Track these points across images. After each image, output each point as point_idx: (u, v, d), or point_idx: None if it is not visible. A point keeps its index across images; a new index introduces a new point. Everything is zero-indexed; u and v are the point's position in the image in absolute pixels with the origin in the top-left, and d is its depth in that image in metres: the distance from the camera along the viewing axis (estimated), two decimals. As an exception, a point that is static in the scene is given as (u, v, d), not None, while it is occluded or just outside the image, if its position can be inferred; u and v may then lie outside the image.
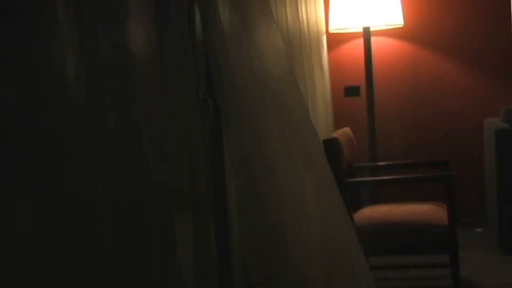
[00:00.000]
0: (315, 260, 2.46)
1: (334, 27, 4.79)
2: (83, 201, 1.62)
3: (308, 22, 4.39)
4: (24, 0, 1.54)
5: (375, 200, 4.62)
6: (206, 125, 2.48)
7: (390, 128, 5.09)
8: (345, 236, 2.56)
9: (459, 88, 5.04)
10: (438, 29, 5.03)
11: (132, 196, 1.79)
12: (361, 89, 5.04)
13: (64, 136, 1.60)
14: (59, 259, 1.56)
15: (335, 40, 5.11)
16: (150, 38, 1.89)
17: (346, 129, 3.99)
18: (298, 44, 4.06)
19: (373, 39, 4.85)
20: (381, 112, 5.01)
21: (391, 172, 4.36)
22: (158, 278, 1.83)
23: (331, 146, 3.40)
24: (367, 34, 4.79)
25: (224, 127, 2.40)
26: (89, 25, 1.71)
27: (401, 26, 4.84)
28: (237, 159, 2.38)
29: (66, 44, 1.61)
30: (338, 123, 4.86)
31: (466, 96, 5.03)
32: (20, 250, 1.52)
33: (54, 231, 1.56)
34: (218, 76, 2.34)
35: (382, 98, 5.04)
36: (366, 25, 4.72)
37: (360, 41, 4.91)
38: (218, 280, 2.46)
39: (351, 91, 5.09)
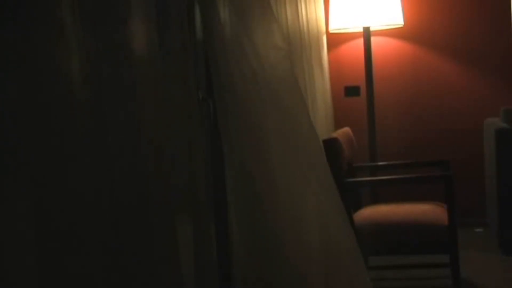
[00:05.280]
0: (315, 262, 2.46)
1: (334, 27, 4.80)
2: (83, 201, 1.62)
3: (308, 22, 4.39)
4: (28, 1, 1.54)
5: (375, 200, 4.63)
6: (206, 125, 2.48)
7: (390, 128, 5.09)
8: (344, 237, 2.56)
9: (459, 88, 5.04)
10: (438, 29, 5.04)
11: (132, 196, 1.79)
12: (361, 89, 5.04)
13: (65, 136, 1.61)
14: (61, 259, 1.56)
15: (335, 40, 5.11)
16: (151, 38, 1.89)
17: (346, 129, 3.99)
18: (298, 44, 4.06)
19: (373, 39, 4.85)
20: (381, 112, 5.01)
21: (391, 172, 4.36)
22: (158, 278, 1.83)
23: (331, 146, 3.40)
24: (367, 34, 4.79)
25: (223, 128, 2.40)
26: (89, 26, 1.71)
27: (401, 26, 4.84)
28: (235, 160, 2.38)
29: (68, 45, 1.61)
30: (338, 123, 4.86)
31: (466, 96, 5.03)
32: (23, 250, 1.52)
33: (56, 231, 1.56)
34: (217, 77, 2.34)
35: (382, 98, 5.04)
36: (366, 25, 4.72)
37: (360, 41, 4.91)
38: (218, 280, 2.46)
39: (351, 91, 5.09)
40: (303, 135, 2.48)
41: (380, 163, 4.68)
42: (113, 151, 1.77)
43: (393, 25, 4.77)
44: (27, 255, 1.53)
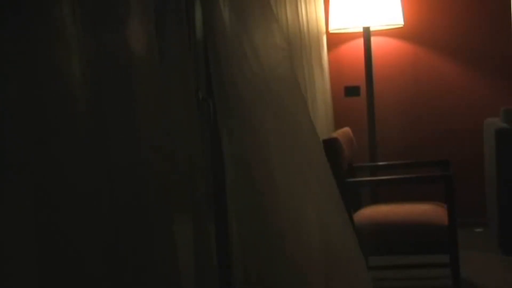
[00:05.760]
0: (315, 262, 2.46)
1: (334, 27, 4.80)
2: (83, 201, 1.62)
3: (308, 22, 4.39)
4: (28, 1, 1.55)
5: (375, 200, 4.63)
6: (206, 125, 2.48)
7: (390, 128, 5.09)
8: (344, 237, 2.56)
9: (459, 88, 5.04)
10: (438, 29, 5.04)
11: (131, 196, 1.79)
12: (361, 89, 5.04)
13: (65, 136, 1.61)
14: (61, 259, 1.57)
15: (335, 40, 5.11)
16: (150, 38, 1.89)
17: (346, 129, 3.99)
18: (298, 44, 4.06)
19: (373, 39, 4.85)
20: (381, 112, 5.01)
21: (391, 172, 4.36)
22: (157, 279, 1.83)
23: (331, 146, 3.40)
24: (367, 34, 4.79)
25: (223, 128, 2.40)
26: (89, 26, 1.71)
27: (401, 26, 4.84)
28: (236, 161, 2.38)
29: (68, 45, 1.62)
30: (338, 123, 4.86)
31: (466, 96, 5.03)
32: (23, 250, 1.53)
33: (55, 231, 1.56)
34: (217, 77, 2.34)
35: (382, 98, 5.04)
36: (366, 25, 4.72)
37: (360, 41, 4.91)
38: (218, 280, 2.46)
39: (351, 91, 5.09)
40: (304, 135, 2.47)
41: (380, 163, 4.68)
42: (113, 151, 1.77)
43: (393, 25, 4.78)
44: (27, 255, 1.53)
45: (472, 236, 4.68)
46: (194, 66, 2.36)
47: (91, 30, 1.72)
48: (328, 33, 4.96)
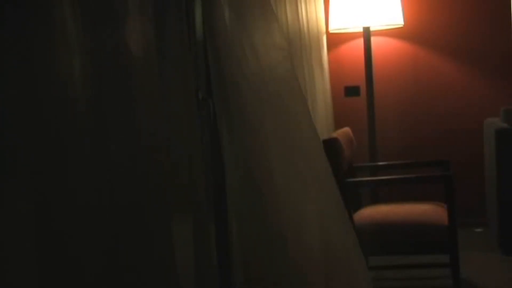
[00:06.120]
0: (315, 262, 2.45)
1: (334, 27, 4.80)
2: (83, 201, 1.62)
3: (308, 22, 4.39)
4: (28, 1, 1.55)
5: (375, 200, 4.63)
6: (206, 125, 2.48)
7: (390, 128, 5.09)
8: (344, 237, 2.56)
9: (459, 88, 5.04)
10: (438, 29, 5.04)
11: (131, 196, 1.79)
12: (361, 89, 5.04)
13: (65, 136, 1.60)
14: (60, 259, 1.56)
15: (335, 40, 5.11)
16: (150, 38, 1.89)
17: (346, 129, 3.99)
18: (298, 44, 4.06)
19: (373, 39, 4.85)
20: (381, 112, 5.01)
21: (391, 172, 4.36)
22: (157, 279, 1.83)
23: (331, 146, 3.40)
24: (367, 34, 4.79)
25: (223, 128, 2.40)
26: (89, 26, 1.71)
27: (401, 26, 4.84)
28: (235, 160, 2.38)
29: (67, 45, 1.61)
30: (338, 123, 4.86)
31: (466, 96, 5.03)
32: (23, 250, 1.53)
33: (55, 231, 1.56)
34: (218, 77, 2.34)
35: (382, 98, 5.04)
36: (366, 25, 4.72)
37: (360, 41, 4.91)
38: (218, 280, 2.46)
39: (351, 91, 5.09)
40: (304, 135, 2.47)
41: (380, 163, 4.68)
42: (113, 151, 1.77)
43: (393, 25, 4.78)
44: (27, 255, 1.53)
45: (472, 236, 4.68)
46: (194, 66, 2.35)
47: (91, 30, 1.72)
48: (328, 33, 4.96)
